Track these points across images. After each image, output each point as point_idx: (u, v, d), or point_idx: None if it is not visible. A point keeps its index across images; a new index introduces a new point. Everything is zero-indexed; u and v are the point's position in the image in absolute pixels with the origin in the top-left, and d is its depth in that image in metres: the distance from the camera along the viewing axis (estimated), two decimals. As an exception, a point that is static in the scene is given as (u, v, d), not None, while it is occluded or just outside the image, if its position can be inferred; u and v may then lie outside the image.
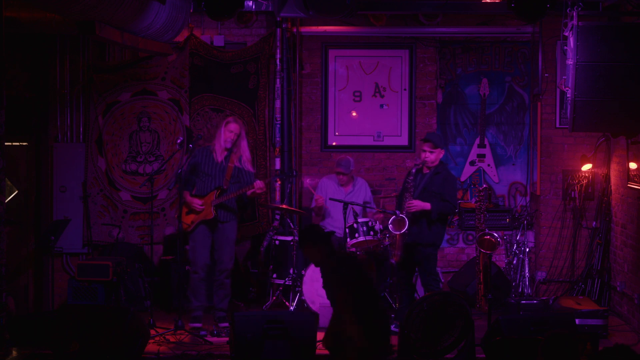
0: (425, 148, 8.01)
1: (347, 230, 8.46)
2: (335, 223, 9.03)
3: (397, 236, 7.93)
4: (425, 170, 8.04)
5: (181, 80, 9.73)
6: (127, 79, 9.74)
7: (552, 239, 9.54)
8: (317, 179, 9.64)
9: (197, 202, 8.19)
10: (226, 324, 8.15)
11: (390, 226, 7.94)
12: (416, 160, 8.39)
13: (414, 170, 8.06)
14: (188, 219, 8.24)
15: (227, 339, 7.59)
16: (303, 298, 8.48)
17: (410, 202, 7.91)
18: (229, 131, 8.24)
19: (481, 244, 8.45)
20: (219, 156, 8.28)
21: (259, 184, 8.19)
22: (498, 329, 6.78)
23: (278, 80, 9.62)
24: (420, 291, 8.56)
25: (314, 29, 9.84)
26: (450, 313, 6.79)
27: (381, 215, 9.04)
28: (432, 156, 7.98)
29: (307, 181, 9.91)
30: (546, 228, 9.56)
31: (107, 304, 8.47)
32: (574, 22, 7.01)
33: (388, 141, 9.98)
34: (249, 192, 8.23)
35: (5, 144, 6.26)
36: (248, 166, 8.33)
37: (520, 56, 9.88)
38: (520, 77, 9.91)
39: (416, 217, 7.92)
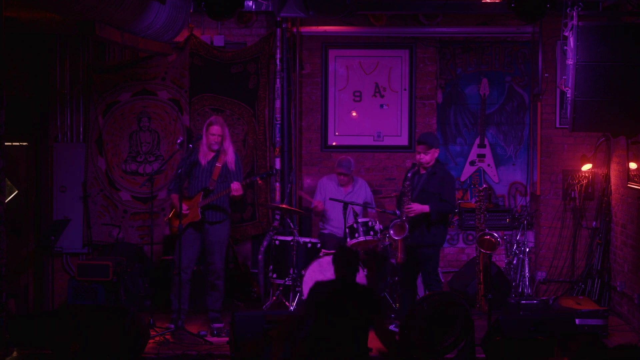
0: (420, 149, 8.00)
1: (347, 230, 8.46)
2: (335, 223, 9.03)
3: (398, 240, 7.91)
4: (422, 171, 8.03)
5: (181, 80, 9.73)
6: (127, 79, 9.74)
7: (552, 239, 9.53)
8: (316, 180, 9.66)
9: (183, 206, 8.10)
10: (220, 325, 8.13)
11: (391, 231, 7.90)
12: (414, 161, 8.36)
13: (409, 175, 8.02)
14: (176, 222, 8.14)
15: (227, 339, 7.59)
16: (303, 298, 8.47)
17: (409, 206, 7.87)
18: (211, 134, 8.15)
19: (481, 244, 8.45)
20: (206, 157, 8.20)
21: (234, 185, 8.04)
22: (498, 329, 6.78)
23: (278, 80, 9.62)
24: (420, 291, 8.56)
25: (314, 29, 9.84)
26: (450, 313, 6.78)
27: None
28: (427, 157, 7.97)
29: (306, 181, 9.92)
30: (546, 228, 9.56)
31: (107, 304, 8.47)
32: (574, 22, 7.01)
33: (388, 141, 9.98)
34: (230, 194, 8.11)
35: (5, 144, 6.26)
36: (232, 166, 8.20)
37: (520, 56, 9.88)
38: (520, 77, 9.91)
39: (416, 220, 7.90)
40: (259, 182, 8.25)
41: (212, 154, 8.21)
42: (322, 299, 5.96)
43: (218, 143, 8.17)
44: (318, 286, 6.13)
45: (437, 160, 8.06)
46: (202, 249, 8.26)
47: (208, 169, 8.18)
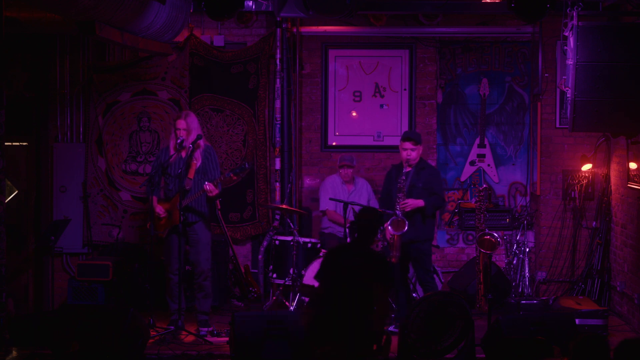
0: (407, 146, 8.03)
1: (347, 230, 8.46)
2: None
3: (395, 236, 7.92)
4: (408, 168, 8.05)
5: (181, 80, 9.73)
6: (127, 79, 9.74)
7: (552, 239, 9.53)
8: (316, 180, 9.66)
9: (162, 208, 7.96)
10: (209, 328, 8.04)
11: (389, 228, 7.91)
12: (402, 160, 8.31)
13: (405, 171, 8.03)
14: (160, 226, 8.02)
15: (227, 339, 7.59)
16: (303, 298, 8.47)
17: (405, 201, 7.92)
18: (177, 129, 7.90)
19: (481, 244, 8.45)
20: (179, 155, 7.94)
21: (206, 186, 7.79)
22: (498, 329, 6.78)
23: (278, 80, 9.62)
24: (419, 290, 8.55)
25: (314, 29, 9.84)
26: (450, 313, 6.79)
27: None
28: (414, 153, 8.05)
29: (306, 181, 9.92)
30: (546, 228, 9.55)
31: (107, 304, 8.47)
32: (574, 22, 7.02)
33: (388, 141, 9.98)
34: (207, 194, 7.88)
35: (5, 144, 6.26)
36: (199, 162, 7.92)
37: (520, 56, 9.88)
38: (520, 77, 9.90)
39: (410, 215, 7.94)
40: (233, 177, 8.02)
41: (185, 151, 7.93)
42: (338, 261, 6.11)
43: (183, 138, 7.89)
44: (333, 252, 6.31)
45: (420, 157, 8.13)
46: (186, 250, 8.09)
47: (184, 168, 7.87)
